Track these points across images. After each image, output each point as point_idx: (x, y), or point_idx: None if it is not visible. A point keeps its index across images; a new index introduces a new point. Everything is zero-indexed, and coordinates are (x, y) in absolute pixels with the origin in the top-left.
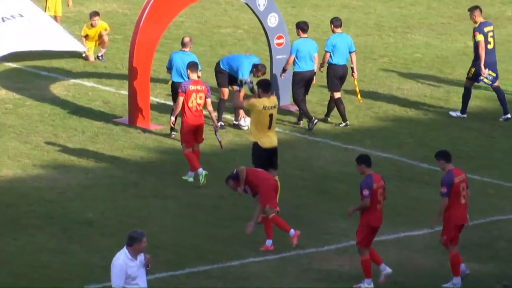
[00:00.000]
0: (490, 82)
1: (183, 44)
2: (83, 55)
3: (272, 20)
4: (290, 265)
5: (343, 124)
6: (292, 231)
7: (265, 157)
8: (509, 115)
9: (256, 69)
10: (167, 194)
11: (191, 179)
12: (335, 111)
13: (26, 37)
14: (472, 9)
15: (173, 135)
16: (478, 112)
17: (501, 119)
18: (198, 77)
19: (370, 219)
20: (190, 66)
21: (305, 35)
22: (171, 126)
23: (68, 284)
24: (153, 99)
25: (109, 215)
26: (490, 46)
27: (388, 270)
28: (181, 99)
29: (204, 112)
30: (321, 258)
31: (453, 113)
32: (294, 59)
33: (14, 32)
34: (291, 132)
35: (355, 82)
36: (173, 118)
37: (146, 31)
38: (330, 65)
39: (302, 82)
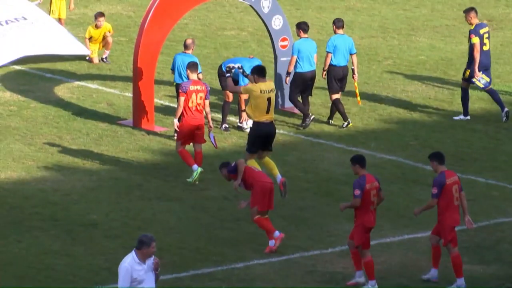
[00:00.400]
0: (483, 86)
1: (185, 46)
2: (87, 57)
3: (277, 22)
4: (294, 267)
5: (345, 123)
6: (276, 232)
7: (261, 141)
8: (506, 109)
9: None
10: (171, 196)
11: (196, 171)
12: (338, 114)
13: (30, 41)
14: (467, 11)
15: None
16: (483, 114)
17: (503, 118)
18: (199, 78)
19: (364, 220)
20: (190, 66)
21: (306, 36)
22: (175, 129)
23: (72, 286)
24: (158, 101)
25: (113, 217)
26: (485, 48)
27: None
28: (182, 99)
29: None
30: (325, 260)
31: (456, 117)
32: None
33: (18, 37)
34: (295, 134)
35: (356, 84)
36: (176, 121)
37: (151, 33)
38: (330, 66)
39: (302, 83)
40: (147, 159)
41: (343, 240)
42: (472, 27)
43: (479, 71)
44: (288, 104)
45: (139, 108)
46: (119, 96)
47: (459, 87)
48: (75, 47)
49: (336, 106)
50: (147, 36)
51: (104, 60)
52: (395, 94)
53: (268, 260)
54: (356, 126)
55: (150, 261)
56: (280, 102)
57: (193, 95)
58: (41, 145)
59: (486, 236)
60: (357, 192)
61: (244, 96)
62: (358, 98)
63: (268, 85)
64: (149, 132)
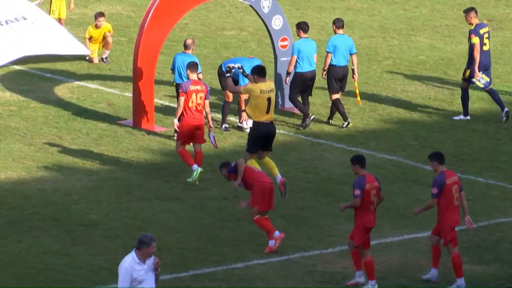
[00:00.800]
0: (483, 86)
1: (185, 46)
2: (87, 58)
3: (277, 22)
4: (294, 267)
5: (345, 123)
6: (276, 233)
7: (261, 141)
8: (506, 109)
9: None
10: (171, 196)
11: (196, 172)
12: (338, 114)
13: (30, 41)
14: (467, 11)
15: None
16: (483, 114)
17: (503, 118)
18: (199, 78)
19: (364, 220)
20: (190, 66)
21: (306, 36)
22: (175, 129)
23: (72, 286)
24: (158, 101)
25: (113, 217)
26: (485, 48)
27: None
28: (182, 99)
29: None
30: (325, 260)
31: (456, 117)
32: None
33: (18, 37)
34: (295, 134)
35: (355, 84)
36: (176, 121)
37: (151, 33)
38: (330, 66)
39: (302, 83)
40: (147, 159)
41: (343, 240)
42: (472, 27)
43: (479, 71)
44: (288, 104)
45: (139, 108)
46: (119, 96)
47: (459, 87)
48: (75, 47)
49: (336, 106)
50: (147, 36)
51: (104, 60)
52: (395, 94)
53: (268, 260)
54: (356, 126)
55: (150, 261)
56: (280, 102)
57: (193, 95)
58: (41, 145)
59: (486, 236)
60: (357, 192)
61: (244, 96)
62: (358, 98)
63: (268, 85)
64: (149, 132)
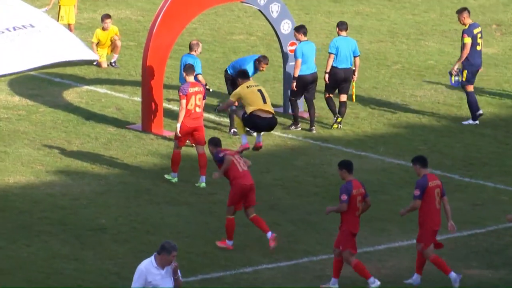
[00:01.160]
0: (453, 82)
1: (189, 47)
2: (94, 63)
3: (285, 27)
4: (303, 272)
5: (335, 118)
6: (229, 242)
7: (261, 124)
8: (481, 111)
9: (258, 61)
10: (180, 200)
11: (175, 179)
12: (348, 117)
13: (38, 51)
14: (460, 11)
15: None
16: (492, 119)
17: (465, 122)
18: (198, 80)
19: (349, 225)
20: (186, 69)
21: (306, 38)
22: (176, 133)
23: None
24: (166, 105)
25: (122, 222)
26: (478, 48)
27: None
28: (183, 102)
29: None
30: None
31: (465, 122)
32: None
33: (26, 46)
34: (304, 139)
35: (353, 83)
36: (179, 125)
37: (159, 37)
38: (332, 67)
39: (303, 86)
40: (156, 164)
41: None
42: (466, 27)
43: (471, 72)
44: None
45: (148, 112)
46: (128, 101)
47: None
48: (83, 53)
49: (327, 103)
50: (156, 40)
51: (113, 64)
52: (404, 98)
53: (276, 264)
54: (365, 130)
55: (169, 267)
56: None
57: (193, 98)
58: (50, 149)
59: (495, 241)
60: (344, 197)
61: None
62: (354, 96)
63: (253, 82)
64: (158, 137)
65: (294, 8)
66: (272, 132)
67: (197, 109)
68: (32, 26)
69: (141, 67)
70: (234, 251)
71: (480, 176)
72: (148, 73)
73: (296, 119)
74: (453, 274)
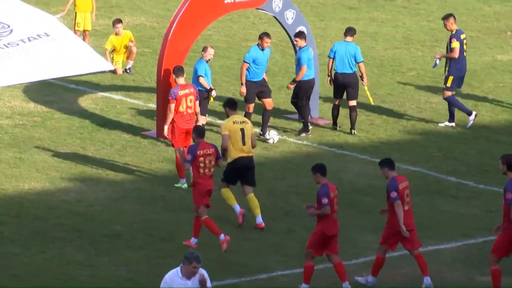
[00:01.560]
0: (434, 65)
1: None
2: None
3: None
4: (318, 279)
5: (334, 127)
6: (222, 236)
7: (238, 174)
8: (453, 124)
9: (260, 39)
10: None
11: (185, 185)
12: (363, 124)
13: (53, 63)
14: (447, 17)
15: None
16: (507, 125)
17: (443, 124)
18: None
19: (325, 227)
20: (176, 71)
21: (305, 44)
22: (165, 136)
23: None
24: None
25: (137, 228)
26: (465, 54)
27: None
28: (172, 106)
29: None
30: (348, 271)
31: (441, 124)
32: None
33: (41, 56)
34: (319, 145)
35: (365, 87)
36: (166, 127)
37: (175, 44)
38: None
39: (308, 90)
40: (170, 170)
41: (366, 252)
42: (454, 32)
43: (458, 78)
44: (312, 116)
45: (163, 119)
46: (143, 107)
47: (483, 98)
48: (98, 64)
49: (332, 110)
50: (171, 47)
51: (128, 71)
52: (419, 105)
53: (291, 271)
54: (380, 137)
55: (197, 279)
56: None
57: (183, 100)
58: (65, 156)
59: None
60: (325, 200)
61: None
62: (370, 99)
63: (240, 117)
64: (173, 143)
65: (309, 15)
66: (287, 138)
67: (189, 111)
68: (47, 35)
69: (156, 73)
70: (249, 258)
71: (495, 183)
72: (163, 79)
73: (306, 125)
74: (371, 278)
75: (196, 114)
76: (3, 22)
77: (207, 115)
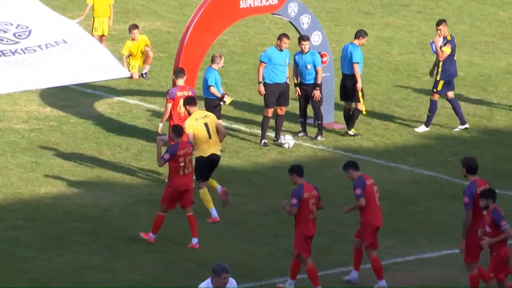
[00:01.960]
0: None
1: (212, 60)
2: None
3: (316, 39)
4: (333, 282)
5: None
6: (151, 234)
7: (209, 167)
8: (467, 125)
9: (279, 39)
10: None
11: None
12: (378, 129)
13: (69, 71)
14: (441, 22)
15: None
16: None
17: (457, 129)
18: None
19: (303, 229)
20: (176, 72)
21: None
22: (158, 131)
23: None
24: None
25: None
26: (455, 57)
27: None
28: (169, 105)
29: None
30: (364, 275)
31: (418, 129)
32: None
33: (57, 64)
34: (334, 150)
35: (359, 93)
36: (161, 125)
37: (190, 49)
38: None
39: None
40: None
41: (381, 256)
42: (450, 38)
43: (448, 81)
44: (326, 120)
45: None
46: (159, 112)
47: (497, 103)
48: (115, 71)
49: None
50: (187, 52)
51: (144, 76)
52: None
53: (306, 275)
54: (395, 142)
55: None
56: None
57: (181, 101)
58: (81, 160)
59: None
60: (294, 201)
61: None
62: (363, 106)
63: (200, 112)
64: None
65: (324, 20)
66: (302, 143)
67: (186, 113)
68: (65, 42)
69: (172, 78)
70: (265, 262)
71: (510, 187)
72: None
73: (321, 129)
74: (383, 282)
75: None
76: (22, 23)
77: (221, 120)
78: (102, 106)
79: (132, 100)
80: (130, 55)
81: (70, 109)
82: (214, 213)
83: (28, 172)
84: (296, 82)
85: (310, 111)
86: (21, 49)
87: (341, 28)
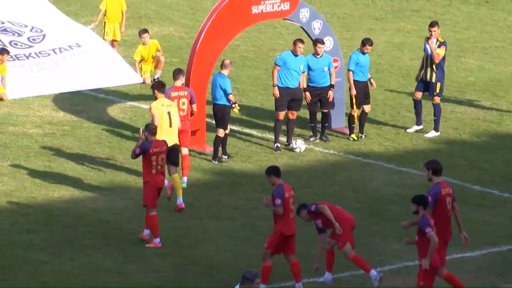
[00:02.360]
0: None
1: (223, 66)
2: None
3: (327, 44)
4: (344, 286)
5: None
6: (146, 231)
7: (167, 155)
8: (422, 127)
9: (294, 44)
10: (222, 215)
11: (184, 185)
12: (389, 133)
13: (83, 76)
14: (434, 25)
15: (224, 158)
16: None
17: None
18: (183, 83)
19: (283, 227)
20: (174, 73)
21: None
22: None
23: None
24: (209, 121)
25: (165, 236)
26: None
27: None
28: None
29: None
30: (366, 277)
31: (409, 130)
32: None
33: (71, 68)
34: (345, 154)
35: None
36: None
37: (203, 54)
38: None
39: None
40: (198, 179)
41: (392, 259)
42: (443, 41)
43: (443, 85)
44: (337, 125)
45: (190, 128)
46: None
47: (507, 108)
48: (128, 77)
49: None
50: (199, 57)
51: (156, 80)
52: (444, 114)
53: (317, 278)
54: (405, 146)
55: None
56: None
57: (175, 102)
58: (94, 164)
59: None
60: (278, 201)
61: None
62: (356, 112)
63: (167, 100)
64: (200, 152)
65: (335, 25)
66: (313, 147)
67: (181, 113)
68: (79, 46)
69: (184, 83)
70: (276, 265)
71: None
72: (191, 89)
73: (314, 132)
74: (373, 272)
75: (191, 114)
76: (36, 25)
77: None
78: (115, 111)
79: (144, 105)
80: (142, 60)
81: (83, 114)
82: (180, 200)
83: (41, 176)
84: (305, 87)
85: (318, 115)
86: (35, 53)
87: (352, 33)
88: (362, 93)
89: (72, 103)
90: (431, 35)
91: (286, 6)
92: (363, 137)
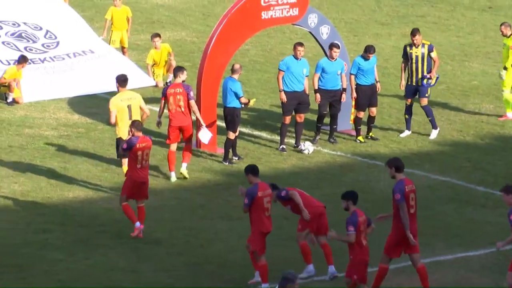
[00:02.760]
0: (426, 84)
1: (233, 70)
2: None
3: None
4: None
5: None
6: (137, 223)
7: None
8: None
9: (294, 48)
10: (233, 216)
11: (173, 179)
12: (394, 136)
13: (97, 80)
14: (417, 31)
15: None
16: None
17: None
18: (183, 80)
19: (260, 226)
20: (174, 71)
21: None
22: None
23: None
24: (220, 123)
25: (176, 235)
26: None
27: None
28: (162, 102)
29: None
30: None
31: (402, 135)
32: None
33: (85, 72)
34: (352, 156)
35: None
36: (158, 119)
37: (214, 58)
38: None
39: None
40: (209, 180)
41: (398, 259)
42: (427, 43)
43: (431, 85)
44: (343, 127)
45: (205, 122)
46: None
47: None
48: (140, 80)
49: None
50: (210, 61)
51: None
52: (449, 117)
53: (325, 277)
54: (411, 148)
55: None
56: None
57: (171, 98)
58: (108, 165)
59: None
60: (246, 200)
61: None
62: (352, 116)
63: (128, 93)
64: (211, 154)
65: (343, 30)
66: (321, 149)
67: (178, 109)
68: (92, 52)
69: (195, 86)
70: (287, 265)
71: None
72: (202, 92)
73: (317, 134)
74: (310, 267)
75: (194, 113)
76: (51, 29)
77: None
78: None
79: (157, 108)
80: (154, 64)
81: (98, 116)
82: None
83: (56, 177)
84: (316, 88)
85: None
86: (50, 57)
87: (359, 38)
88: (366, 96)
89: (87, 106)
90: (414, 43)
91: (295, 12)
92: (369, 138)
